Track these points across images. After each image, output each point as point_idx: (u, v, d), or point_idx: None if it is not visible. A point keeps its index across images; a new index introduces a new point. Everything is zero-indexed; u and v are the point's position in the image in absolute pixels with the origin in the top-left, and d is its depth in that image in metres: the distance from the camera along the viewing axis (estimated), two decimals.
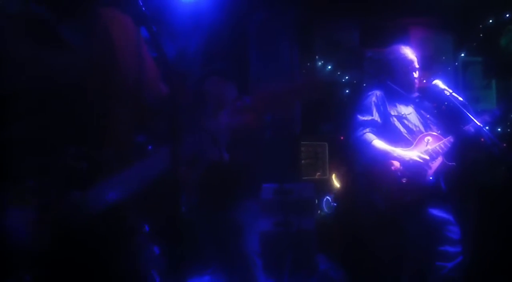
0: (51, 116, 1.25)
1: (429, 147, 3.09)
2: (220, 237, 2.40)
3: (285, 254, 3.77)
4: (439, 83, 3.27)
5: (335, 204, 5.03)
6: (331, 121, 5.40)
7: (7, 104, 1.24)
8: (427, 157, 3.03)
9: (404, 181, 2.99)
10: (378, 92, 3.25)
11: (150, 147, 1.30)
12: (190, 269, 2.42)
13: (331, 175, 5.43)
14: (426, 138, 3.13)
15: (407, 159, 3.00)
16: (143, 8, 1.29)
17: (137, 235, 1.40)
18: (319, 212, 4.96)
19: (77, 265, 1.24)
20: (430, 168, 3.05)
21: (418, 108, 3.30)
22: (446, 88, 3.25)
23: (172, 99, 1.17)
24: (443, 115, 3.42)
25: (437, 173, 3.06)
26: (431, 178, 3.04)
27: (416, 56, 3.30)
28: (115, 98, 1.34)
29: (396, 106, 3.24)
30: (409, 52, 3.29)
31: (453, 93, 3.23)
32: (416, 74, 3.28)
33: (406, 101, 3.28)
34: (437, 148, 3.09)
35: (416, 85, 3.30)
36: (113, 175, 1.24)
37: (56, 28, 1.30)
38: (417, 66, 3.28)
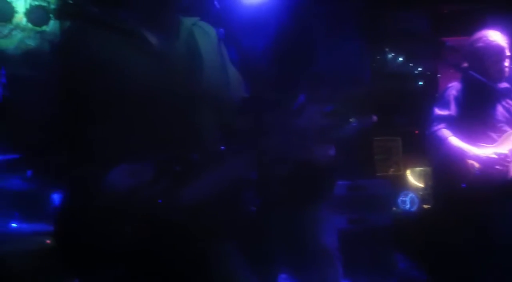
0: (141, 119, 1.28)
1: None
2: (299, 235, 2.38)
3: (361, 253, 3.72)
4: None
5: (411, 200, 4.87)
6: (404, 115, 5.24)
7: (100, 108, 1.29)
8: (505, 152, 2.86)
9: (483, 180, 2.84)
10: (458, 85, 3.09)
11: (234, 148, 1.31)
12: (265, 269, 2.41)
13: (406, 171, 5.28)
14: None
15: (484, 157, 2.85)
16: (220, 11, 1.31)
17: (223, 234, 1.41)
18: (394, 208, 4.82)
19: (166, 266, 1.27)
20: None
21: (504, 101, 3.09)
22: None
23: (253, 100, 1.17)
24: None
25: None
26: None
27: (507, 43, 3.07)
28: (200, 101, 1.36)
29: (478, 100, 3.05)
30: (500, 38, 3.05)
31: None
32: (507, 63, 3.05)
33: (491, 94, 3.07)
34: None
35: (506, 75, 3.07)
36: (202, 176, 1.25)
37: (142, 34, 1.34)
38: (508, 53, 3.05)
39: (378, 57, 5.51)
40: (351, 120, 2.11)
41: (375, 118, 2.35)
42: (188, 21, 1.44)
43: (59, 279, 2.89)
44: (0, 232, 3.75)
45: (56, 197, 3.83)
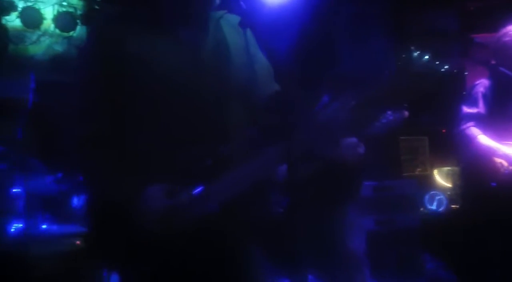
0: (171, 115, 1.30)
1: None
2: (326, 237, 2.37)
3: (389, 254, 3.68)
4: None
5: (439, 201, 4.80)
6: (431, 114, 5.16)
7: (132, 106, 1.31)
8: None
9: None
10: (486, 82, 3.03)
11: (262, 144, 1.31)
12: (293, 270, 2.40)
13: (433, 171, 5.20)
14: None
15: None
16: (246, 11, 1.31)
17: (249, 233, 1.42)
18: (422, 209, 4.76)
19: (199, 259, 1.29)
20: None
21: None
22: None
23: (279, 97, 1.18)
24: None
25: None
26: None
27: None
28: (231, 97, 1.37)
29: (508, 97, 2.99)
30: None
31: None
32: None
33: None
34: None
35: None
36: (233, 169, 1.27)
37: (174, 30, 1.35)
38: None
39: (403, 55, 5.44)
40: (380, 117, 2.09)
41: (406, 113, 2.32)
42: (216, 14, 1.44)
43: (89, 280, 2.95)
44: (32, 234, 3.83)
45: (85, 200, 3.90)
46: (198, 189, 1.24)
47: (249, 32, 1.46)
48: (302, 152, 1.24)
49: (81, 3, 5.12)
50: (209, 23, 1.42)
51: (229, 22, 1.45)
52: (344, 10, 5.02)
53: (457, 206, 4.69)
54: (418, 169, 5.21)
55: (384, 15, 5.04)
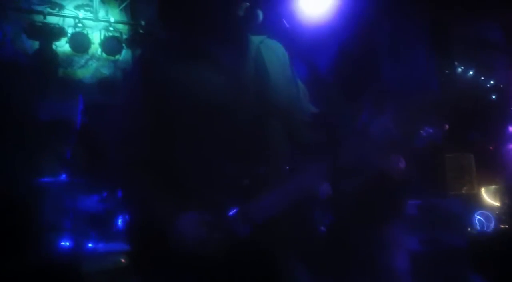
0: (213, 135, 1.34)
1: None
2: (370, 255, 2.33)
3: (434, 275, 3.56)
4: None
5: (486, 220, 4.63)
6: (477, 131, 5.02)
7: (174, 125, 1.35)
8: None
9: None
10: None
11: (304, 163, 1.32)
12: None
13: (480, 189, 5.03)
14: None
15: None
16: (288, 30, 1.33)
17: (289, 249, 1.42)
18: (469, 229, 4.60)
19: (240, 277, 1.29)
20: None
21: None
22: None
23: (323, 115, 1.18)
24: None
25: None
26: None
27: None
28: (270, 116, 1.39)
29: None
30: None
31: None
32: None
33: None
34: None
35: None
36: (271, 189, 1.28)
37: (215, 54, 1.39)
38: None
39: (447, 71, 5.34)
40: (421, 131, 2.06)
41: (446, 126, 2.27)
42: (256, 39, 1.48)
43: None
44: (79, 251, 3.93)
45: (129, 219, 3.97)
46: (235, 209, 1.25)
47: (287, 56, 1.50)
48: (346, 169, 1.24)
49: (126, 28, 5.31)
50: (249, 48, 1.45)
51: (269, 46, 1.49)
52: (386, 25, 4.98)
53: (506, 226, 4.52)
54: (465, 187, 5.05)
55: (427, 30, 4.97)
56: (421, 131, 2.21)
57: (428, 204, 3.87)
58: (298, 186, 1.29)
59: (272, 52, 1.48)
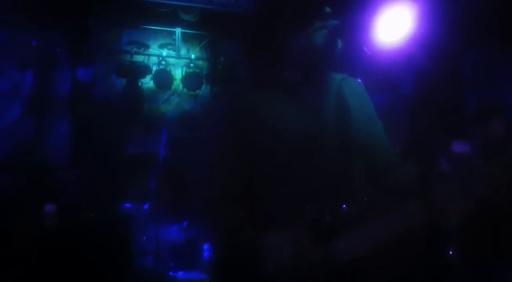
0: (295, 172, 1.35)
1: None
2: None
3: None
4: None
5: None
6: None
7: (260, 163, 1.37)
8: None
9: None
10: None
11: (389, 200, 1.30)
12: None
13: None
14: None
15: None
16: (369, 59, 1.34)
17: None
18: None
19: None
20: None
21: None
22: None
23: (420, 146, 1.16)
24: None
25: None
26: None
27: None
28: (350, 153, 1.40)
29: None
30: None
31: None
32: None
33: None
34: None
35: None
36: (356, 228, 1.27)
37: (297, 92, 1.43)
38: None
39: None
40: None
41: None
42: (337, 77, 1.49)
43: None
44: (160, 278, 4.06)
45: (210, 248, 4.05)
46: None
47: (367, 96, 1.50)
48: (443, 206, 1.18)
49: (206, 64, 5.54)
50: (331, 85, 1.47)
51: (350, 84, 1.50)
52: (470, 53, 4.82)
53: None
54: None
55: None
56: None
57: None
58: (397, 222, 1.25)
59: (354, 91, 1.49)
